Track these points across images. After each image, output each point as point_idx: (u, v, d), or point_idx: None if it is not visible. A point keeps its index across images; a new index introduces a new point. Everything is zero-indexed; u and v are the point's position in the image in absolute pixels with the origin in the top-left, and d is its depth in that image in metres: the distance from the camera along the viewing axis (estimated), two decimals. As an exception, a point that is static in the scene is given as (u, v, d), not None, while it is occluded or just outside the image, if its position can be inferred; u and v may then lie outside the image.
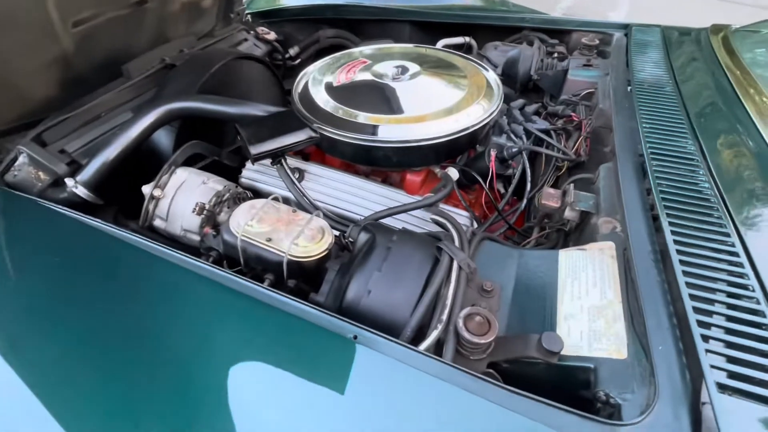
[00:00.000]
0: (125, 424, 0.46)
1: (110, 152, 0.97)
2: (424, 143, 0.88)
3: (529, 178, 0.93)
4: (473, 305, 0.61)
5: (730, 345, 0.47)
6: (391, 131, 0.89)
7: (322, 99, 0.99)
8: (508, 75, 1.29)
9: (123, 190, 0.96)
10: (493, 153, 0.96)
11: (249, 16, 1.70)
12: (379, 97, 0.98)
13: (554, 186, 0.94)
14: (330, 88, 1.02)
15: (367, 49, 1.19)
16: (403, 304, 0.63)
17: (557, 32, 1.44)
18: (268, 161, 0.94)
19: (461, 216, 0.96)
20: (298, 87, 1.06)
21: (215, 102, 1.05)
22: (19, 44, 1.00)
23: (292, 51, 1.69)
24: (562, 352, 0.54)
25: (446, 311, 0.59)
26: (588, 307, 0.59)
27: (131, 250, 0.65)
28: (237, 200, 0.93)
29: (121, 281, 0.62)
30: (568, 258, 0.67)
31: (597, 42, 1.30)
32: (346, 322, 0.54)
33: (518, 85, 1.28)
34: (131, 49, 1.27)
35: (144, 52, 1.26)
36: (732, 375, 0.45)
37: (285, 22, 1.73)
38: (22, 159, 0.95)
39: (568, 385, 0.53)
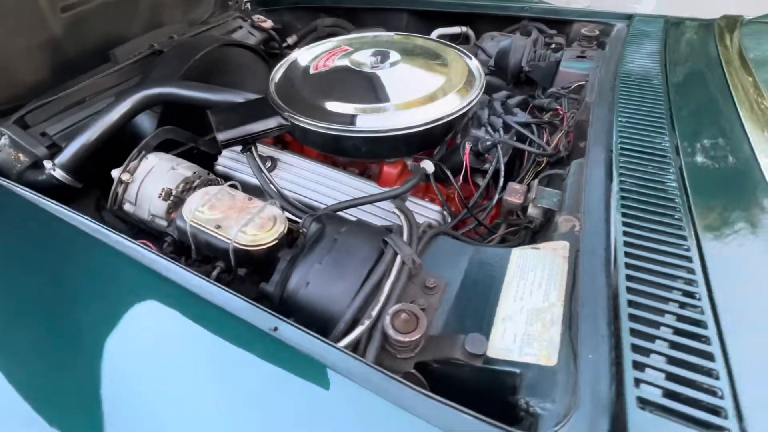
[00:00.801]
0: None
1: (88, 136, 0.98)
2: (392, 133, 0.85)
3: (502, 173, 0.89)
4: (412, 302, 0.59)
5: (664, 357, 0.43)
6: (360, 120, 0.87)
7: (297, 86, 0.97)
8: (499, 66, 1.24)
9: (106, 174, 0.97)
10: (468, 146, 0.92)
11: (248, 4, 1.70)
12: (353, 85, 0.96)
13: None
14: (306, 76, 1.00)
15: (351, 36, 1.16)
16: (341, 297, 0.61)
17: (558, 22, 1.38)
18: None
19: (432, 210, 0.93)
20: (276, 74, 1.04)
21: (195, 88, 1.05)
22: (6, 29, 1.02)
23: (290, 40, 1.68)
24: (492, 355, 0.52)
25: (378, 306, 0.56)
26: (528, 309, 0.55)
27: (63, 225, 0.65)
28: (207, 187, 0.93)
29: (52, 255, 0.63)
30: (520, 257, 0.63)
31: (597, 33, 1.23)
32: (268, 313, 0.52)
33: (509, 76, 1.23)
34: (124, 35, 1.28)
35: (136, 38, 1.27)
36: (660, 390, 0.41)
37: (284, 10, 1.72)
38: (2, 141, 0.98)
39: (495, 390, 0.50)
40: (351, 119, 0.87)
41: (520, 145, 0.89)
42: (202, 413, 0.47)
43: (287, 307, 0.64)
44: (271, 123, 0.91)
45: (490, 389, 0.50)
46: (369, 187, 0.95)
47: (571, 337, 0.49)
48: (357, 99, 0.91)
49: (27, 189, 0.74)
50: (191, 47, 1.20)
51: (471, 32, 1.49)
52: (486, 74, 1.32)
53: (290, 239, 0.78)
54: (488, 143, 0.89)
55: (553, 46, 1.27)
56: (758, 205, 0.56)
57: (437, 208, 0.93)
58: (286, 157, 1.01)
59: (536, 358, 0.49)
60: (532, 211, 0.73)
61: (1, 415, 0.48)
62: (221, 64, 1.25)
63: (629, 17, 1.26)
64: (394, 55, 1.01)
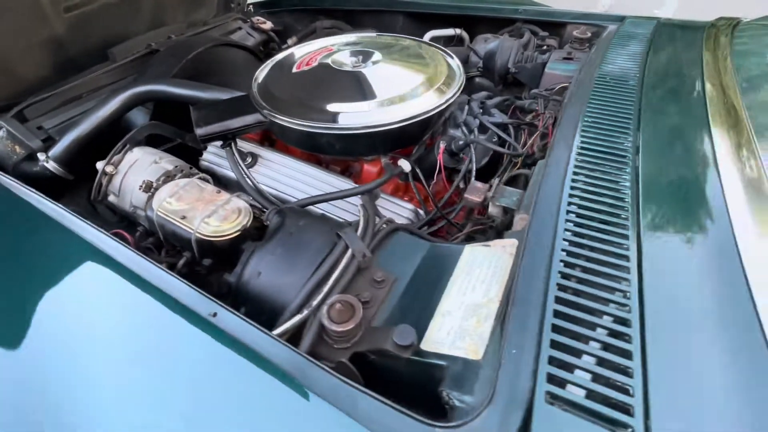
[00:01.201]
0: None
1: (80, 131, 1.03)
2: (365, 131, 0.86)
3: (474, 173, 0.89)
4: (357, 294, 0.60)
5: (583, 354, 0.43)
6: (334, 117, 0.88)
7: (277, 85, 0.99)
8: (487, 68, 1.24)
9: None
10: (442, 145, 0.93)
11: (250, 6, 1.74)
12: (331, 83, 0.97)
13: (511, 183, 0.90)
14: (287, 75, 1.02)
15: (337, 38, 1.18)
16: (290, 288, 0.62)
17: (552, 24, 1.37)
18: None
19: (405, 209, 0.93)
20: (260, 73, 1.07)
21: (184, 86, 1.08)
22: (9, 27, 1.07)
23: (290, 41, 1.70)
24: (425, 348, 0.52)
25: (320, 297, 0.57)
26: (467, 305, 0.55)
27: (29, 208, 0.69)
28: (187, 180, 0.95)
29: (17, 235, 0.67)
30: (470, 253, 0.63)
31: (589, 35, 1.22)
32: (208, 299, 0.53)
33: (497, 77, 1.23)
34: (125, 35, 1.33)
35: (135, 37, 1.32)
36: (574, 386, 0.41)
37: (285, 12, 1.75)
38: (1, 133, 1.03)
39: (425, 381, 0.50)
40: (326, 116, 0.88)
41: (490, 145, 0.89)
42: (135, 388, 0.48)
43: (241, 297, 0.66)
44: (249, 119, 0.93)
45: (419, 381, 0.51)
46: (345, 185, 0.96)
47: (501, 332, 0.49)
48: (334, 97, 0.92)
49: (12, 179, 0.78)
50: (185, 47, 1.24)
51: (465, 34, 1.49)
52: (476, 76, 1.33)
53: (260, 232, 0.79)
54: (461, 143, 0.90)
55: (545, 47, 1.26)
56: (707, 211, 0.55)
57: (411, 206, 0.93)
58: (267, 154, 1.03)
59: (464, 352, 0.49)
60: (492, 209, 0.73)
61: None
62: (215, 64, 1.29)
63: (622, 19, 1.24)
64: (375, 55, 1.02)
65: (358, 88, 0.94)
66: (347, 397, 0.44)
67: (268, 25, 1.64)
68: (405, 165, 0.94)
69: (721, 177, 0.58)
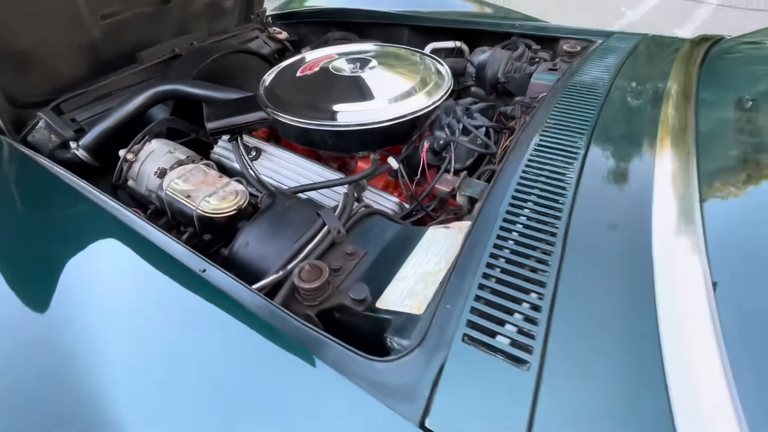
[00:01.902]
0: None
1: (107, 123, 1.16)
2: (354, 128, 0.96)
3: (452, 169, 0.97)
4: (330, 263, 0.69)
5: (500, 307, 0.51)
6: (328, 116, 0.98)
7: (281, 86, 1.10)
8: (479, 77, 1.33)
9: None
10: (426, 144, 1.02)
11: (269, 18, 1.88)
12: (329, 86, 1.08)
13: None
14: (291, 78, 1.13)
15: (340, 48, 1.29)
16: (272, 256, 0.72)
17: (546, 39, 1.45)
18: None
19: (390, 201, 1.02)
20: (268, 77, 1.18)
21: (200, 87, 1.21)
22: (53, 32, 1.22)
23: (304, 50, 1.83)
24: (379, 306, 0.61)
25: (295, 262, 0.67)
26: (420, 273, 0.64)
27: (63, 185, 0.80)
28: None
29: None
30: (431, 233, 0.72)
31: (578, 49, 1.30)
32: (199, 257, 0.63)
33: (488, 86, 1.31)
34: (154, 40, 1.48)
35: (162, 43, 1.47)
36: (483, 330, 0.49)
37: (300, 24, 1.88)
38: (41, 123, 1.17)
39: (377, 333, 0.58)
40: (321, 115, 0.99)
41: (466, 144, 0.97)
42: (143, 333, 0.58)
43: (232, 263, 0.75)
44: (254, 116, 1.05)
45: (372, 332, 0.59)
46: (337, 177, 1.06)
47: (442, 294, 0.57)
48: (330, 98, 1.02)
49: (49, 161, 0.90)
50: (205, 52, 1.37)
51: (465, 47, 1.58)
52: (471, 85, 1.42)
53: (255, 213, 0.89)
54: (442, 142, 0.98)
55: (536, 60, 1.35)
56: (632, 206, 0.61)
57: (396, 199, 1.02)
58: (270, 149, 1.14)
59: (409, 308, 0.58)
60: (459, 198, 0.81)
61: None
62: (231, 68, 1.42)
63: (610, 35, 1.31)
64: (371, 63, 1.13)
65: (352, 90, 1.04)
66: (308, 338, 0.53)
67: (283, 35, 1.78)
68: (393, 162, 1.03)
69: (655, 181, 0.64)
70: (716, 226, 0.56)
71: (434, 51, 1.57)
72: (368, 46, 1.30)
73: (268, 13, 1.85)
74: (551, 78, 1.18)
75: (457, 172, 1.03)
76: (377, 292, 0.64)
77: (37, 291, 0.66)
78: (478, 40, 1.58)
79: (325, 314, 0.64)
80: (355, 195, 0.86)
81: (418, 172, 1.03)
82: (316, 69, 1.15)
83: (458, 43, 1.57)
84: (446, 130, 1.02)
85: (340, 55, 1.20)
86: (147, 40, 1.46)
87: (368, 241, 0.75)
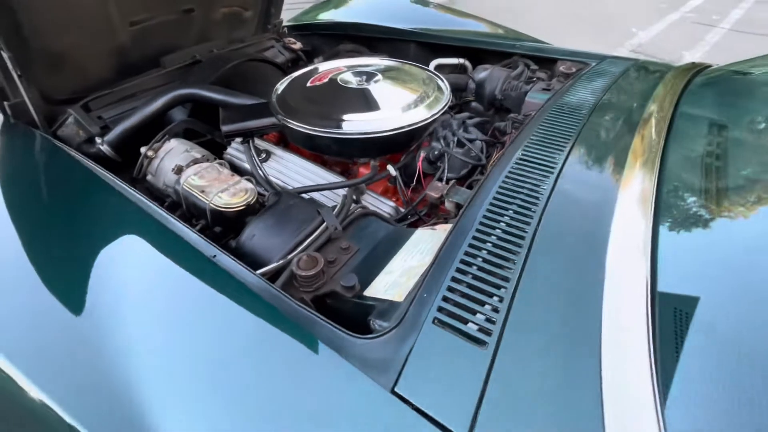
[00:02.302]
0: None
1: (130, 122, 1.26)
2: (353, 137, 1.05)
3: (445, 177, 1.05)
4: (326, 256, 0.77)
5: (469, 296, 0.58)
6: (334, 124, 1.07)
7: (292, 95, 1.20)
8: (478, 94, 1.41)
9: None
10: (422, 154, 1.10)
11: (285, 28, 1.99)
12: (336, 97, 1.17)
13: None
14: (301, 88, 1.23)
15: (349, 61, 1.38)
16: (275, 247, 0.80)
17: (545, 60, 1.54)
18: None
19: (386, 204, 1.11)
20: (280, 85, 1.27)
21: (217, 92, 1.30)
22: (86, 37, 1.33)
23: (317, 60, 1.94)
24: (367, 294, 0.69)
25: (295, 252, 0.75)
26: (405, 267, 0.72)
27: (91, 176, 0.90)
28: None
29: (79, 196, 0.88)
30: (419, 234, 0.80)
31: (573, 70, 1.38)
32: (210, 244, 0.72)
33: (486, 103, 1.39)
34: (177, 46, 1.58)
35: (184, 49, 1.57)
36: (451, 315, 0.56)
37: (314, 35, 1.99)
38: (70, 119, 1.27)
39: (364, 316, 0.66)
40: (327, 123, 1.07)
41: (457, 155, 1.05)
42: (161, 312, 0.66)
43: (239, 253, 0.84)
44: (265, 122, 1.14)
45: (359, 316, 0.67)
46: (339, 181, 1.14)
47: (421, 284, 0.65)
48: (335, 108, 1.11)
49: (77, 152, 1.00)
50: (224, 59, 1.47)
51: (468, 64, 1.67)
52: (471, 100, 1.50)
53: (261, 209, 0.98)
54: (436, 153, 1.07)
55: (534, 79, 1.43)
56: (595, 218, 0.69)
57: (392, 203, 1.10)
58: (279, 152, 1.23)
59: (392, 296, 0.66)
60: (447, 204, 0.89)
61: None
62: (248, 75, 1.51)
63: (603, 58, 1.39)
64: (377, 76, 1.22)
65: (357, 101, 1.13)
66: (302, 317, 0.61)
67: (298, 45, 1.88)
68: (391, 170, 1.12)
69: (618, 199, 0.71)
70: (665, 242, 0.64)
71: (439, 66, 1.66)
72: (375, 61, 1.39)
73: (284, 24, 1.96)
74: (543, 97, 1.25)
75: (450, 181, 1.11)
76: (366, 283, 0.72)
77: (68, 274, 0.75)
78: (481, 58, 1.67)
79: (320, 300, 0.72)
80: (354, 197, 0.94)
81: (414, 179, 1.12)
82: (325, 80, 1.24)
83: (462, 60, 1.66)
84: (441, 141, 1.10)
85: (348, 68, 1.30)
86: (170, 45, 1.56)
87: (362, 238, 0.84)
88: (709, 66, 1.32)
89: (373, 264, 0.77)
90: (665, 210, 0.69)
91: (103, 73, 1.41)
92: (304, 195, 1.00)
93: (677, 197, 0.73)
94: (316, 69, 1.32)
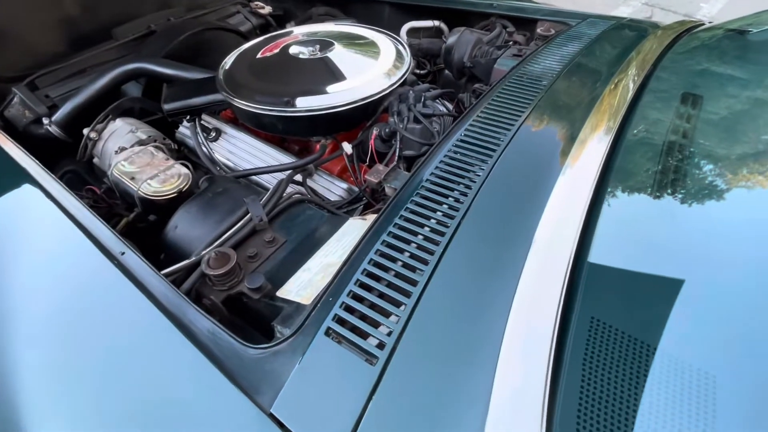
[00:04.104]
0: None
1: (77, 100, 1.20)
2: (302, 114, 0.97)
3: (397, 156, 0.98)
4: (250, 250, 0.72)
5: (371, 303, 0.53)
6: (279, 101, 1.00)
7: (240, 68, 1.12)
8: (446, 61, 1.31)
9: None
10: (374, 132, 1.02)
11: (255, -9, 1.86)
12: (284, 70, 1.08)
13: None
14: (250, 60, 1.14)
15: (303, 28, 1.28)
16: (196, 240, 0.75)
17: (524, 21, 1.41)
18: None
19: (338, 186, 1.05)
20: (229, 58, 1.19)
21: (168, 66, 1.23)
22: (27, 6, 1.25)
23: (288, 26, 1.82)
24: (278, 294, 0.64)
25: (210, 248, 0.70)
26: (323, 264, 0.67)
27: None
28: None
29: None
30: (349, 224, 0.74)
31: (552, 32, 1.26)
32: (120, 240, 0.67)
33: (455, 71, 1.29)
34: (132, 16, 1.49)
35: (137, 19, 1.48)
36: (347, 327, 0.52)
37: (285, -2, 1.86)
38: (15, 99, 1.21)
39: (271, 318, 0.62)
40: (272, 100, 1.00)
41: (406, 134, 0.97)
42: (53, 308, 0.63)
43: (163, 245, 0.80)
44: (210, 99, 1.07)
45: (269, 318, 0.63)
46: (288, 161, 1.08)
47: (329, 285, 0.60)
48: (282, 82, 1.04)
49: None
50: (179, 29, 1.38)
51: (444, 26, 1.55)
52: (443, 68, 1.40)
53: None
54: (387, 130, 0.99)
55: (510, 43, 1.31)
56: (530, 212, 0.62)
57: (345, 184, 1.04)
58: (230, 130, 1.17)
59: (301, 298, 0.61)
60: (387, 190, 0.82)
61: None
62: (206, 45, 1.43)
63: (585, 18, 1.27)
64: (331, 46, 1.13)
65: (306, 75, 1.05)
66: (197, 322, 0.57)
67: (266, 9, 1.76)
68: (347, 147, 1.04)
69: (553, 190, 0.65)
70: (600, 232, 0.57)
71: (413, 30, 1.54)
72: (331, 27, 1.29)
73: (252, -14, 1.83)
74: (513, 64, 1.15)
75: (410, 160, 1.04)
76: (284, 281, 0.68)
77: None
78: (459, 20, 1.54)
79: (234, 299, 0.68)
80: (298, 180, 0.88)
81: (367, 158, 1.05)
82: (276, 51, 1.15)
83: (437, 23, 1.54)
84: (395, 117, 1.02)
85: (302, 36, 1.20)
86: (124, 15, 1.47)
87: (292, 229, 0.78)
88: (701, 24, 1.19)
89: (300, 257, 0.72)
90: (607, 201, 0.62)
91: (51, 47, 1.34)
92: (253, 178, 0.95)
93: (626, 178, 0.65)
94: (267, 39, 1.23)
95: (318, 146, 1.13)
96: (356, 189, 1.05)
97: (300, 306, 0.60)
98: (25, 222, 0.73)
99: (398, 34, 1.35)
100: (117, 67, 1.22)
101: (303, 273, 0.67)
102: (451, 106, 1.16)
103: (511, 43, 1.32)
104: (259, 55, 1.16)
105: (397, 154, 0.99)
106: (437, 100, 1.11)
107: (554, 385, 0.43)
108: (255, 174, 0.98)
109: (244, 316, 0.68)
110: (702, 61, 0.97)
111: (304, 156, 1.15)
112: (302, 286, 0.63)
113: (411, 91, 1.09)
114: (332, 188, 1.05)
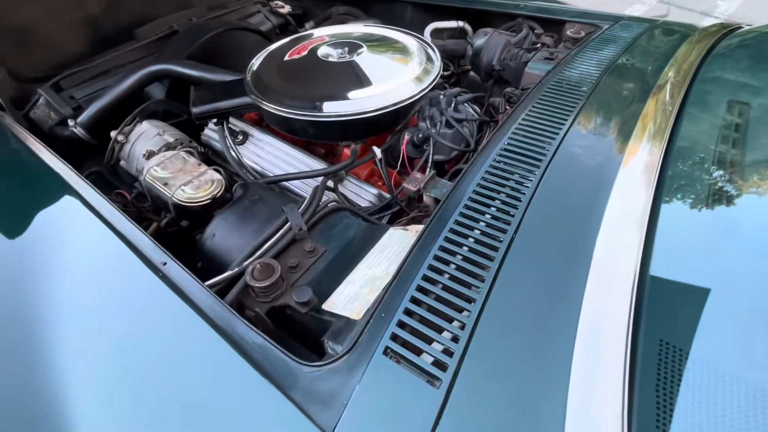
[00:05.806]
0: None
1: (102, 102, 1.19)
2: (333, 119, 0.96)
3: (430, 163, 0.97)
4: (290, 260, 0.71)
5: (427, 321, 0.52)
6: (310, 105, 0.98)
7: (268, 71, 1.10)
8: (474, 64, 1.29)
9: None
10: (406, 137, 1.01)
11: (274, -11, 1.84)
12: (314, 73, 1.07)
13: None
14: (278, 63, 1.13)
15: (331, 29, 1.26)
16: (235, 250, 0.74)
17: (552, 22, 1.39)
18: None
19: (369, 192, 1.03)
20: (257, 60, 1.17)
21: (192, 67, 1.21)
22: (52, 8, 1.24)
23: (308, 25, 1.80)
24: (325, 307, 0.63)
25: (252, 258, 0.69)
26: (368, 276, 0.65)
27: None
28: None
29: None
30: (390, 235, 0.73)
31: (582, 35, 1.24)
32: (161, 250, 0.66)
33: (483, 74, 1.27)
34: (153, 17, 1.48)
35: (159, 19, 1.47)
36: (404, 345, 0.50)
37: (305, -3, 1.84)
38: (41, 100, 1.21)
39: (321, 333, 0.61)
40: (303, 104, 0.98)
41: (441, 140, 0.96)
42: (96, 319, 0.62)
43: (200, 254, 0.79)
44: (238, 102, 1.05)
45: (317, 332, 0.62)
46: (319, 166, 1.06)
47: (382, 300, 0.59)
48: (313, 86, 1.02)
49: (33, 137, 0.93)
50: (202, 29, 1.37)
51: (468, 27, 1.53)
52: (470, 69, 1.38)
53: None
54: (420, 135, 0.97)
55: (538, 45, 1.29)
56: (581, 230, 0.60)
57: (375, 190, 1.03)
58: (257, 133, 1.16)
59: (350, 313, 0.60)
60: (425, 199, 0.81)
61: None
62: (227, 46, 1.41)
63: (618, 20, 1.24)
64: (360, 48, 1.11)
65: (336, 78, 1.03)
66: (248, 338, 0.56)
67: (286, 9, 1.75)
68: (377, 152, 1.03)
69: (609, 201, 0.63)
70: (661, 246, 0.56)
71: (436, 31, 1.52)
72: (359, 28, 1.27)
73: (271, -15, 1.81)
74: (545, 68, 1.13)
75: (439, 165, 1.03)
76: (329, 292, 0.66)
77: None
78: (484, 20, 1.52)
79: (278, 311, 0.67)
80: (329, 186, 0.87)
81: (398, 164, 1.03)
82: (304, 53, 1.14)
83: (461, 23, 1.52)
84: (428, 122, 1.00)
85: (330, 38, 1.18)
86: (146, 15, 1.46)
87: (331, 238, 0.77)
88: (740, 27, 1.17)
89: (341, 268, 0.71)
90: (666, 217, 0.60)
91: (74, 47, 1.33)
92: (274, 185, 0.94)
93: (681, 190, 0.64)
94: (294, 40, 1.21)
95: (348, 151, 1.12)
96: (386, 195, 1.03)
97: (350, 321, 0.58)
98: (64, 230, 0.73)
99: (422, 35, 1.34)
100: (141, 69, 1.20)
101: (348, 285, 0.65)
102: (480, 110, 1.14)
103: (539, 45, 1.30)
104: (286, 57, 1.14)
105: (431, 159, 0.97)
106: (467, 104, 1.10)
107: (630, 413, 0.42)
108: (288, 179, 0.96)
109: (287, 329, 0.67)
110: (746, 65, 0.95)
111: (330, 160, 1.14)
112: (349, 300, 0.62)
113: (442, 95, 1.08)
114: (362, 194, 1.03)
